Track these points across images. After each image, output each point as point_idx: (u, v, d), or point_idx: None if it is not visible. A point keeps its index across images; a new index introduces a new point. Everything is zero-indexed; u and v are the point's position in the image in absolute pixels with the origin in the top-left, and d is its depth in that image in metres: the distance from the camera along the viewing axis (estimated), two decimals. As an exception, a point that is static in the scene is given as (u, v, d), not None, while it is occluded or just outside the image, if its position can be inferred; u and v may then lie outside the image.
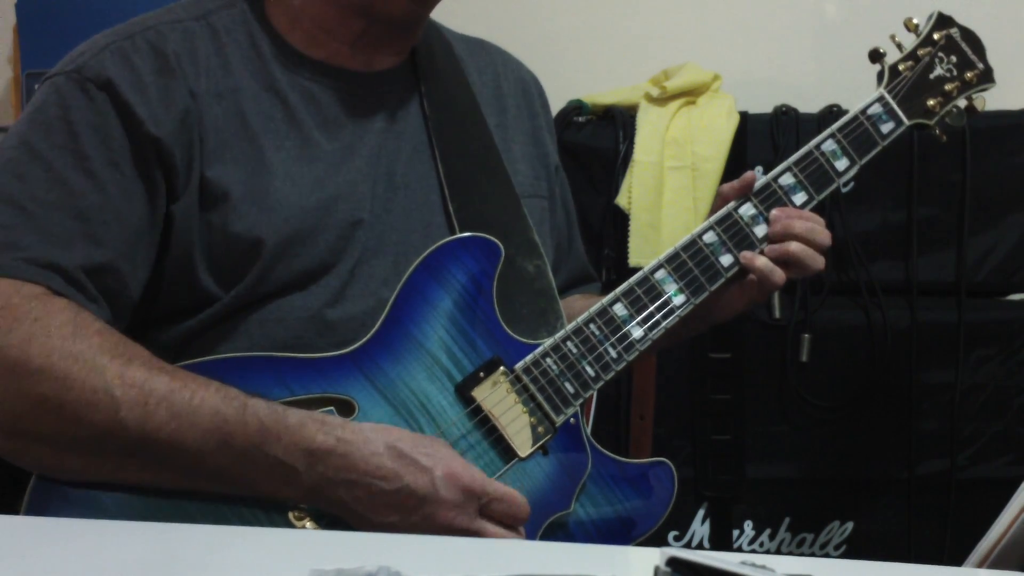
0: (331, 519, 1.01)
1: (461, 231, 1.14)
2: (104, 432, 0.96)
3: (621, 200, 1.83)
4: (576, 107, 1.90)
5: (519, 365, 1.10)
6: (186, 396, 0.97)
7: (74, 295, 1.01)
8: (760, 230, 1.19)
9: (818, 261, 1.19)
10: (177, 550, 0.85)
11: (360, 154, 1.14)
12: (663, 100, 1.90)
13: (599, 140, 1.87)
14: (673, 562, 0.65)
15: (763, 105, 1.92)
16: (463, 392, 1.08)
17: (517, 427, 1.08)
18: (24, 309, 0.97)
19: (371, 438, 0.99)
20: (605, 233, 1.85)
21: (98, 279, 1.03)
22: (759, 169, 1.85)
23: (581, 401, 1.11)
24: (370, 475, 0.98)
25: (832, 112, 1.88)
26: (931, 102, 1.28)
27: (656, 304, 1.15)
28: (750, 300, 1.22)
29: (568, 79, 2.01)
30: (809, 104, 1.92)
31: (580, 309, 1.18)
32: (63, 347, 0.96)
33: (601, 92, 1.96)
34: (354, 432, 0.99)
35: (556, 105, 1.86)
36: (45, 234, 1.01)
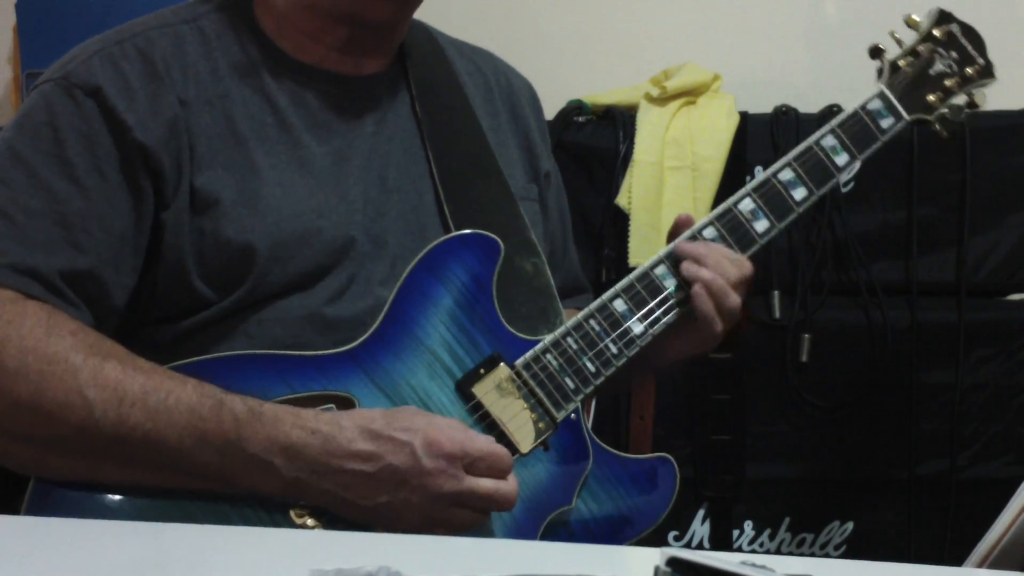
0: (332, 517, 1.01)
1: (458, 230, 1.14)
2: (80, 432, 0.96)
3: (621, 200, 1.83)
4: (576, 107, 1.90)
5: (519, 361, 1.10)
6: (161, 396, 0.97)
7: (53, 300, 1.01)
8: (760, 225, 1.19)
9: (731, 298, 1.14)
10: (177, 550, 0.85)
11: (351, 158, 1.14)
12: (663, 100, 1.90)
13: (599, 140, 1.87)
14: (673, 562, 0.65)
15: (763, 105, 1.92)
16: (464, 389, 1.08)
17: (518, 423, 1.08)
18: None
19: (345, 425, 0.99)
20: (605, 233, 1.85)
21: (79, 285, 1.03)
22: (759, 169, 1.86)
23: (582, 397, 1.11)
24: (351, 461, 0.98)
25: (832, 112, 1.88)
26: (931, 97, 1.28)
27: (656, 300, 1.15)
28: (690, 347, 1.20)
29: (568, 79, 2.01)
30: (809, 104, 1.92)
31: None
32: (37, 348, 0.96)
33: (601, 92, 1.97)
34: (328, 423, 0.99)
35: (556, 105, 1.87)
36: (26, 240, 1.01)
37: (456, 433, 1.01)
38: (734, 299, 1.15)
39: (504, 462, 1.03)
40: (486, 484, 1.01)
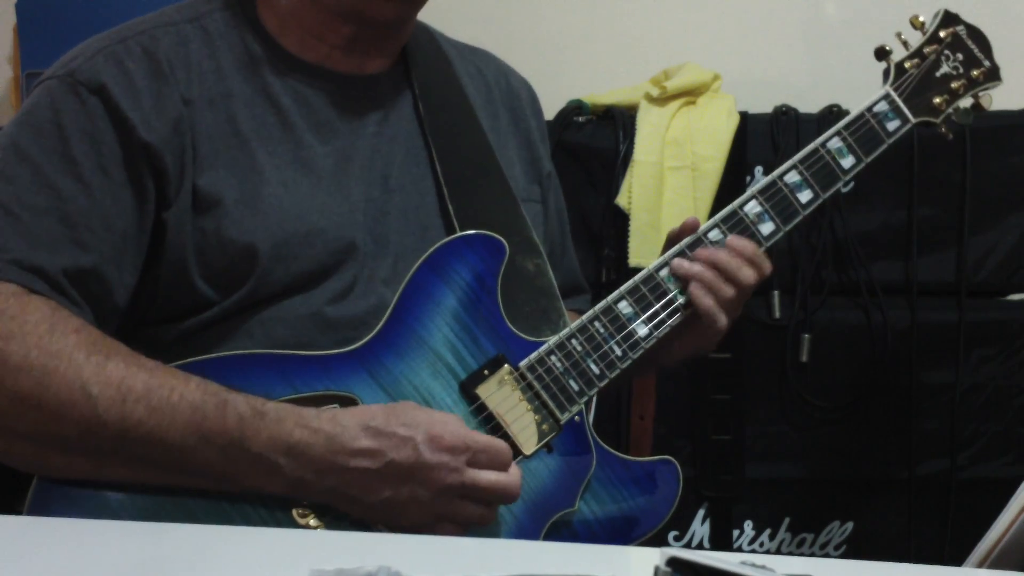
0: (335, 516, 1.01)
1: (462, 230, 1.14)
2: (83, 429, 0.96)
3: (621, 200, 1.83)
4: (576, 107, 1.90)
5: (523, 363, 1.10)
6: (165, 393, 0.97)
7: (56, 298, 1.01)
8: (766, 228, 1.19)
9: (724, 290, 1.15)
10: (177, 550, 0.85)
11: (354, 158, 1.14)
12: (663, 100, 1.90)
13: (599, 140, 1.87)
14: (673, 562, 0.65)
15: (763, 105, 1.92)
16: (467, 390, 1.08)
17: (522, 425, 1.08)
18: (1, 308, 0.97)
19: (347, 424, 0.99)
20: (605, 233, 1.85)
21: (82, 284, 1.03)
22: (759, 169, 1.86)
23: (586, 399, 1.11)
24: (355, 459, 0.98)
25: (832, 112, 1.88)
26: (937, 100, 1.28)
27: (661, 303, 1.15)
28: (694, 348, 1.21)
29: (568, 79, 2.01)
30: (809, 104, 1.92)
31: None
32: (40, 344, 0.96)
33: (601, 92, 1.96)
34: (330, 422, 0.99)
35: (556, 105, 1.87)
36: (30, 237, 1.01)
37: (457, 428, 1.02)
38: (726, 291, 1.15)
39: (504, 455, 1.03)
40: (488, 476, 1.02)
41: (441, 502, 1.00)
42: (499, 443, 1.03)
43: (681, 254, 1.17)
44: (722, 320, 1.16)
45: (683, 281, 1.16)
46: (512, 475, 1.03)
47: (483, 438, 1.03)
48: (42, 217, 1.02)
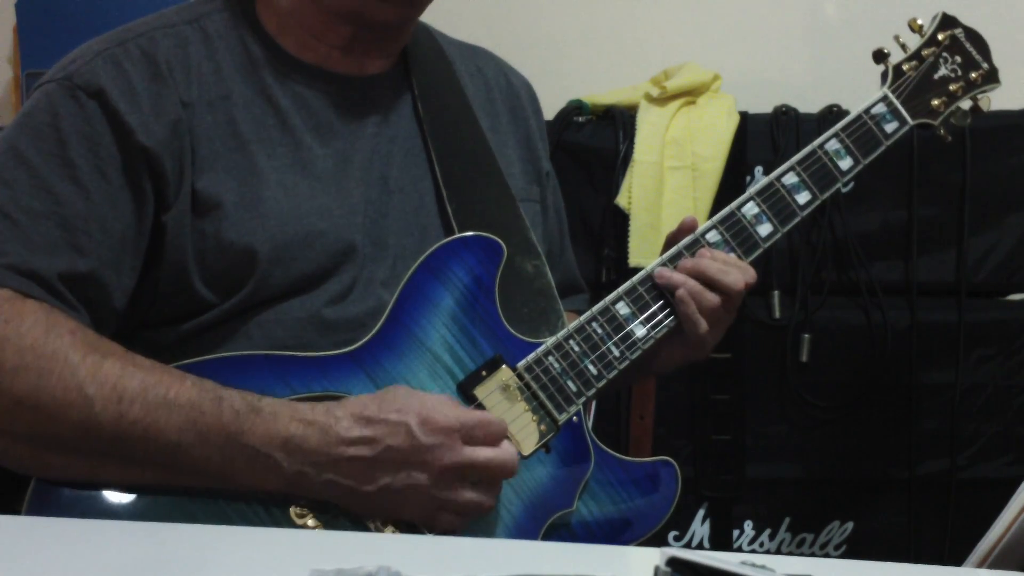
0: (333, 514, 1.01)
1: (460, 231, 1.14)
2: (81, 430, 0.96)
3: (621, 200, 1.83)
4: (576, 107, 1.90)
5: (521, 363, 1.10)
6: (161, 391, 0.97)
7: (52, 302, 1.01)
8: (763, 229, 1.19)
9: (707, 297, 1.14)
10: (177, 550, 0.85)
11: (353, 160, 1.14)
12: (663, 100, 1.90)
13: (599, 140, 1.87)
14: (673, 562, 0.65)
15: (763, 105, 1.92)
16: (465, 391, 1.08)
17: (520, 425, 1.08)
18: None
19: (339, 415, 1.00)
20: (605, 233, 1.85)
21: (80, 288, 1.03)
22: (759, 169, 1.86)
23: (584, 399, 1.11)
24: (350, 448, 0.99)
25: (832, 112, 1.88)
26: (935, 102, 1.28)
27: (659, 304, 1.15)
28: (687, 355, 1.20)
29: (568, 79, 2.01)
30: (809, 104, 1.92)
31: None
32: (35, 346, 0.96)
33: (601, 92, 1.97)
34: (324, 414, 1.00)
35: (556, 105, 1.87)
36: (28, 241, 1.01)
37: (448, 408, 1.02)
38: (710, 298, 1.14)
39: (497, 428, 1.03)
40: (484, 452, 1.02)
41: (440, 486, 1.00)
42: (491, 417, 1.04)
43: (678, 255, 1.17)
44: (703, 326, 1.15)
45: (669, 290, 1.15)
46: (507, 450, 1.04)
47: (475, 414, 1.03)
48: (39, 221, 1.02)
